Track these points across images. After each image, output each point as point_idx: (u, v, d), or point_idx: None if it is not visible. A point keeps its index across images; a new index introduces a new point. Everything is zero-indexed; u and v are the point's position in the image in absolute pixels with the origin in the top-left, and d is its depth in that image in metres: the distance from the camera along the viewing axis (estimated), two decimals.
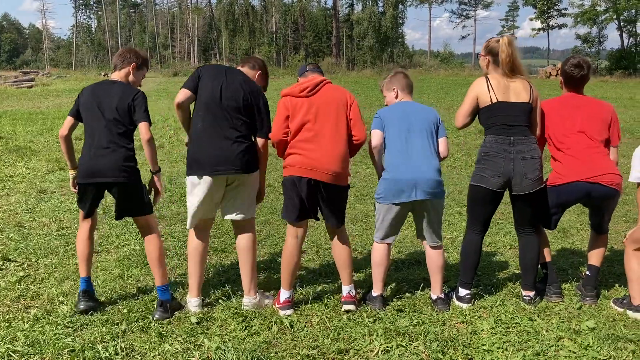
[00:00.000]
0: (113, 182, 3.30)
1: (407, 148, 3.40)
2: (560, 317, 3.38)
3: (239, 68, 3.61)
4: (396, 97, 3.63)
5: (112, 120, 3.32)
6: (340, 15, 49.03)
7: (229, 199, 3.43)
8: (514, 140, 3.36)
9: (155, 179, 3.48)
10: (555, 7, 47.23)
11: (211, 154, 3.27)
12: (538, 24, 48.93)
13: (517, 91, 3.42)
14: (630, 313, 3.41)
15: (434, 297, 3.54)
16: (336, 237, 3.51)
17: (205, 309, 3.45)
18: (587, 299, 3.60)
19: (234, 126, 3.30)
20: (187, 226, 3.48)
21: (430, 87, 26.99)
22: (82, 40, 79.87)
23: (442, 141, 3.53)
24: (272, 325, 3.22)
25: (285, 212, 3.42)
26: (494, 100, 3.39)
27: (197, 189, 3.34)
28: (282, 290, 3.45)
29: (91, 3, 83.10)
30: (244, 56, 47.26)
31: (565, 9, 47.14)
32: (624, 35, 40.07)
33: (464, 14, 65.55)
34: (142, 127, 3.34)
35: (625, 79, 32.50)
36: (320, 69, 3.66)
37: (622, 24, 39.68)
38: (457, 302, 3.57)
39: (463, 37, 67.48)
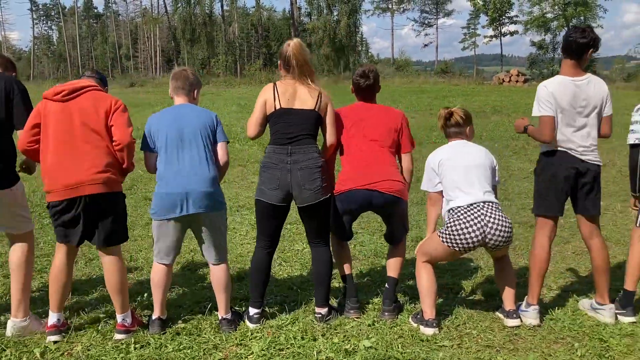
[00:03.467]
0: None
1: (176, 158, 3.16)
2: (345, 335, 3.18)
3: None
4: (172, 98, 3.38)
5: None
6: (304, 23, 48.88)
7: None
8: (292, 150, 3.18)
9: None
10: (506, 15, 48.08)
11: None
12: (490, 32, 49.83)
13: (303, 98, 3.26)
14: (422, 328, 3.24)
15: (220, 317, 3.32)
16: (106, 258, 3.18)
17: None
18: (386, 313, 3.42)
19: None
20: None
21: (381, 95, 26.79)
22: (43, 51, 78.11)
23: (220, 146, 3.29)
24: (22, 356, 2.96)
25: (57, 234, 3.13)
26: (278, 107, 3.23)
27: None
28: (50, 312, 3.17)
29: (52, 14, 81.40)
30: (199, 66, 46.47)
31: (517, 16, 48.11)
32: None
33: (426, 22, 66.24)
34: None
35: None
36: (102, 76, 3.41)
37: None
38: (247, 322, 3.35)
39: (425, 45, 68.21)
